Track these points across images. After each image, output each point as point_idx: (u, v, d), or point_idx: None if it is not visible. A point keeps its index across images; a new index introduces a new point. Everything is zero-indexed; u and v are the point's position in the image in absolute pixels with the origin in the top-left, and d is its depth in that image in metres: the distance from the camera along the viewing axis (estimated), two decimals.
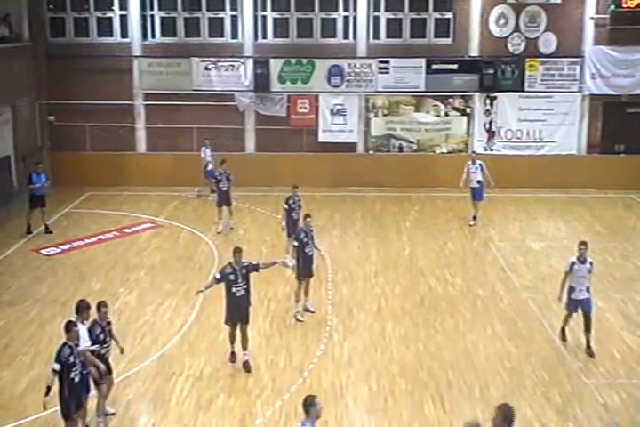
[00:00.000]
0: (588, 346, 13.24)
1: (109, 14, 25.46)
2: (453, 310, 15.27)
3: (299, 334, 14.09)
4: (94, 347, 10.49)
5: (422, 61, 24.87)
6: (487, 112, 25.38)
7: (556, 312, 14.71)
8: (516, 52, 25.03)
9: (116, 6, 25.35)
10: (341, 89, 25.21)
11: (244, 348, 12.73)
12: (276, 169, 24.86)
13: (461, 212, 22.23)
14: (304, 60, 25.09)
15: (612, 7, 24.20)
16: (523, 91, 25.07)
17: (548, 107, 25.18)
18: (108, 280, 16.92)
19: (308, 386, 12.05)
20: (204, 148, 23.80)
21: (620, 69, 24.76)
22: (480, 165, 20.91)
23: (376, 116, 25.64)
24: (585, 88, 25.03)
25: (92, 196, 24.29)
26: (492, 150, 25.34)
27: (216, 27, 25.41)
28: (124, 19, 25.32)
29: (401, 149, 25.80)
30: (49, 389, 9.76)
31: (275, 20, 25.43)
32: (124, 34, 25.41)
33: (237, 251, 12.67)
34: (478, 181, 20.93)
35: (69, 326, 10.01)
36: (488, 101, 25.28)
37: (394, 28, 25.29)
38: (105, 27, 25.49)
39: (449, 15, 25.14)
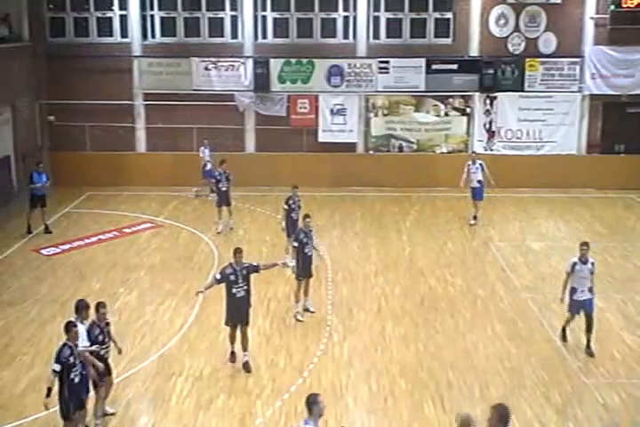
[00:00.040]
0: (588, 346, 13.23)
1: (109, 14, 25.46)
2: (453, 310, 15.27)
3: (299, 334, 14.09)
4: (93, 348, 10.48)
5: (422, 61, 24.87)
6: (487, 112, 25.38)
7: (556, 312, 14.73)
8: (516, 52, 25.04)
9: (115, 6, 25.35)
10: (341, 89, 25.21)
11: (245, 349, 12.72)
12: (275, 169, 24.87)
13: (461, 212, 22.23)
14: (304, 60, 25.09)
15: (612, 7, 24.21)
16: (523, 91, 25.07)
17: (547, 107, 25.18)
18: (108, 280, 16.92)
19: (307, 386, 12.05)
20: (202, 148, 23.82)
21: (619, 69, 24.76)
22: (480, 164, 20.93)
23: (376, 116, 25.65)
24: (585, 88, 25.03)
25: (92, 196, 24.29)
26: (491, 150, 25.34)
27: (216, 27, 25.41)
28: (123, 19, 25.32)
29: (401, 148, 25.80)
30: (50, 390, 9.76)
31: (275, 19, 25.43)
32: (124, 34, 25.41)
33: (238, 251, 12.65)
34: (479, 181, 20.94)
35: (69, 327, 10.00)
36: (488, 101, 25.28)
37: (394, 28, 25.29)
38: (105, 27, 25.49)
39: (449, 15, 25.14)
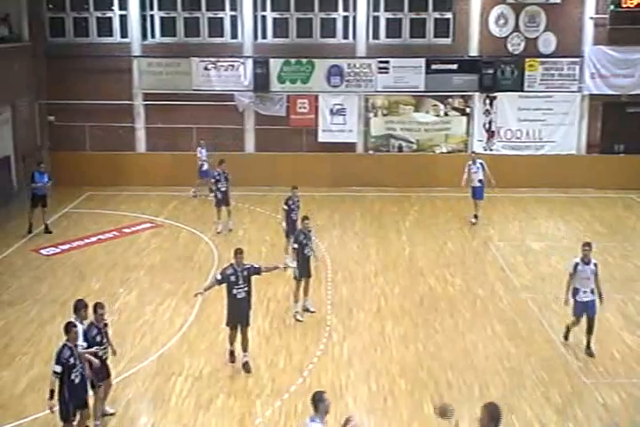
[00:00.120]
0: (588, 346, 13.22)
1: (109, 14, 25.47)
2: (453, 310, 15.27)
3: (298, 334, 14.09)
4: (93, 349, 10.46)
5: (422, 61, 24.87)
6: (487, 112, 25.38)
7: (556, 312, 14.75)
8: (516, 52, 25.04)
9: (115, 6, 25.35)
10: (341, 89, 25.21)
11: (244, 349, 12.71)
12: (275, 169, 24.87)
13: (461, 212, 22.24)
14: (304, 60, 25.09)
15: (612, 7, 24.21)
16: (522, 91, 25.07)
17: (547, 107, 25.19)
18: (108, 280, 16.91)
19: (307, 386, 12.05)
20: (199, 148, 23.86)
21: (619, 69, 24.76)
22: (481, 164, 20.96)
23: (376, 116, 25.65)
24: (584, 88, 25.03)
25: (92, 196, 24.30)
26: (491, 150, 25.34)
27: (216, 27, 25.42)
28: (123, 19, 25.33)
29: (400, 148, 25.81)
30: (52, 392, 9.76)
31: (274, 19, 25.44)
32: (124, 34, 25.41)
33: (239, 252, 12.62)
34: (480, 180, 20.98)
35: (69, 327, 9.99)
36: (488, 101, 25.29)
37: (393, 28, 25.30)
38: (105, 27, 25.49)
39: (448, 15, 25.14)
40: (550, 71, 24.96)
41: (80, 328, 10.37)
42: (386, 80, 25.04)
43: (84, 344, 10.38)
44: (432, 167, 25.25)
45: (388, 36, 25.39)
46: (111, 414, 11.21)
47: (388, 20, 25.27)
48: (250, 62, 25.09)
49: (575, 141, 25.54)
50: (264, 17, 25.38)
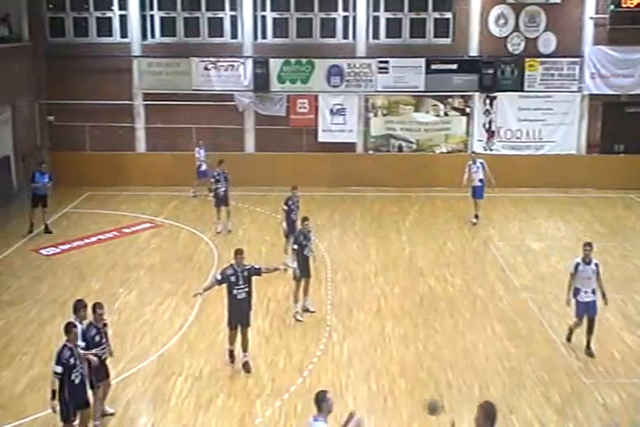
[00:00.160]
0: (588, 346, 13.22)
1: (109, 14, 25.47)
2: (453, 310, 15.27)
3: (298, 334, 14.09)
4: (93, 351, 10.44)
5: (422, 61, 24.87)
6: (487, 112, 25.38)
7: (556, 312, 14.75)
8: (516, 52, 25.04)
9: (115, 6, 25.35)
10: (341, 89, 25.21)
11: (245, 349, 12.71)
12: (275, 169, 24.87)
13: (461, 212, 22.24)
14: (303, 60, 25.09)
15: (612, 7, 24.21)
16: (522, 91, 25.07)
17: (547, 107, 25.19)
18: (108, 280, 16.91)
19: (307, 386, 12.05)
20: (197, 148, 23.87)
21: (619, 69, 24.76)
22: (481, 163, 20.99)
23: (375, 115, 25.65)
24: (584, 88, 25.03)
25: (92, 196, 24.30)
26: (491, 150, 25.34)
27: (215, 27, 25.42)
28: (123, 19, 25.33)
29: (400, 148, 25.81)
30: (54, 392, 9.75)
31: (274, 19, 25.44)
32: (124, 34, 25.41)
33: (239, 253, 12.61)
34: (480, 180, 21.00)
35: (69, 328, 9.98)
36: (487, 101, 25.29)
37: (393, 28, 25.30)
38: (104, 27, 25.49)
39: (448, 15, 25.14)
40: (550, 71, 24.96)
41: (80, 328, 10.36)
42: (386, 80, 25.04)
43: (82, 344, 10.37)
44: (432, 167, 25.25)
45: (387, 36, 25.39)
46: (111, 415, 11.21)
47: (387, 19, 25.28)
48: (250, 62, 25.08)
49: (575, 141, 25.54)
50: (264, 17, 25.38)
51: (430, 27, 25.24)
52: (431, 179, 25.07)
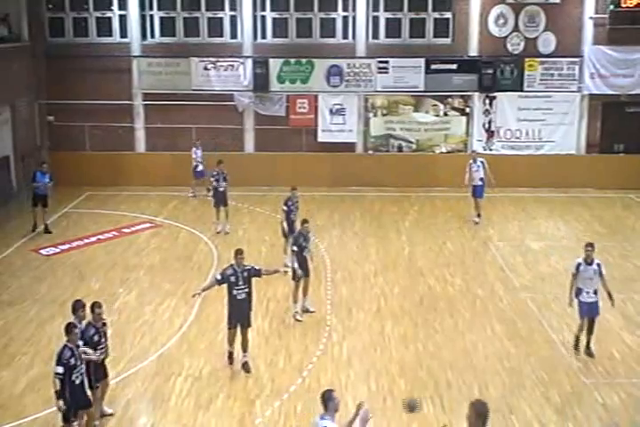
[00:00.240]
0: (588, 346, 13.21)
1: (109, 14, 25.47)
2: (452, 310, 15.26)
3: (298, 334, 14.08)
4: (93, 353, 10.42)
5: (421, 61, 24.87)
6: (486, 112, 25.38)
7: (556, 312, 14.75)
8: (516, 52, 25.04)
9: (115, 6, 25.35)
10: (340, 89, 25.21)
11: (244, 349, 12.70)
12: (275, 169, 24.87)
13: (461, 211, 22.25)
14: (303, 60, 25.09)
15: (612, 7, 24.21)
16: (522, 90, 25.07)
17: (547, 106, 25.19)
18: (108, 280, 16.91)
19: (307, 386, 12.06)
20: (194, 148, 23.86)
21: (619, 69, 24.76)
22: (482, 162, 21.02)
23: (375, 115, 25.65)
24: (584, 88, 25.04)
25: (92, 196, 24.29)
26: (491, 150, 25.33)
27: (215, 27, 25.42)
28: (123, 19, 25.33)
29: (400, 148, 25.81)
30: (57, 393, 9.74)
31: (274, 19, 25.44)
32: (124, 34, 25.41)
33: (239, 253, 12.59)
34: (481, 179, 21.03)
35: (70, 328, 9.98)
36: (487, 101, 25.29)
37: (393, 28, 25.30)
38: (104, 27, 25.50)
39: (448, 15, 25.14)
40: (550, 71, 24.96)
41: (79, 329, 10.36)
42: (385, 80, 25.04)
43: (81, 343, 10.36)
44: (432, 167, 25.25)
45: (387, 36, 25.39)
46: (110, 415, 11.20)
47: (387, 19, 25.28)
48: (249, 62, 25.08)
49: (575, 141, 25.54)
50: (263, 17, 25.38)
51: (430, 27, 25.24)
52: (431, 179, 25.07)
